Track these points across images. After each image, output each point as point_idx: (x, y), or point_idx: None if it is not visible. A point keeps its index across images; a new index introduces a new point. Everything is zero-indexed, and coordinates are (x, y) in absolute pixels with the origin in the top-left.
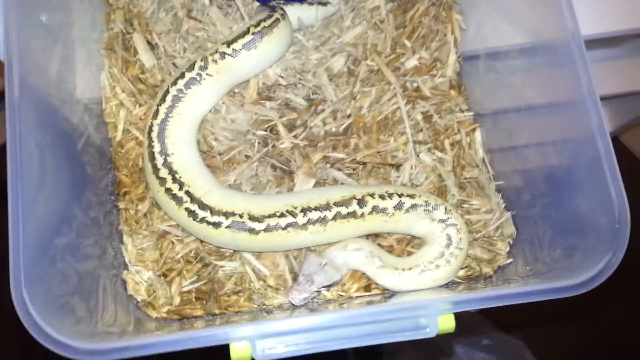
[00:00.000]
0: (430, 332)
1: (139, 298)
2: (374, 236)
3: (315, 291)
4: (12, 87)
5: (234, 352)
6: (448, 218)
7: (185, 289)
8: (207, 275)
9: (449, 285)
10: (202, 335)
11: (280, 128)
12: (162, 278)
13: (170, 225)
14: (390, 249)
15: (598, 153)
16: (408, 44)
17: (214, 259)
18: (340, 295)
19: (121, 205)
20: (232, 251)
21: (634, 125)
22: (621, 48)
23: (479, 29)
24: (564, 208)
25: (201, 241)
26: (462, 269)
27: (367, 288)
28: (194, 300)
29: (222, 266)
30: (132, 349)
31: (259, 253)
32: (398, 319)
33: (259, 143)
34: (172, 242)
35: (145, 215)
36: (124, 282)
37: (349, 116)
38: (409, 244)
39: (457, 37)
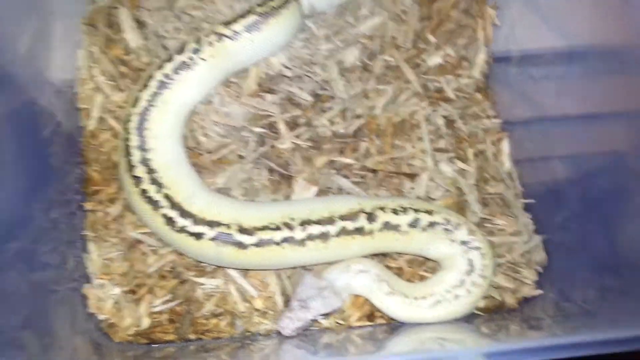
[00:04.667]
0: None
1: (101, 317)
2: (380, 256)
3: (311, 320)
4: None
5: None
6: (471, 240)
7: (156, 309)
8: (184, 294)
9: (468, 318)
10: None
11: (281, 126)
12: (131, 295)
13: (144, 233)
14: (399, 272)
15: None
16: (432, 38)
17: (193, 274)
18: (338, 324)
19: (88, 206)
20: (214, 266)
21: None
22: None
23: (513, 27)
24: (604, 237)
25: (179, 253)
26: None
27: (371, 317)
28: (165, 322)
29: (201, 284)
30: None
31: (247, 270)
32: None
33: (255, 142)
34: (145, 253)
35: (115, 219)
36: (84, 297)
37: (360, 116)
38: (421, 266)
39: (488, 35)
